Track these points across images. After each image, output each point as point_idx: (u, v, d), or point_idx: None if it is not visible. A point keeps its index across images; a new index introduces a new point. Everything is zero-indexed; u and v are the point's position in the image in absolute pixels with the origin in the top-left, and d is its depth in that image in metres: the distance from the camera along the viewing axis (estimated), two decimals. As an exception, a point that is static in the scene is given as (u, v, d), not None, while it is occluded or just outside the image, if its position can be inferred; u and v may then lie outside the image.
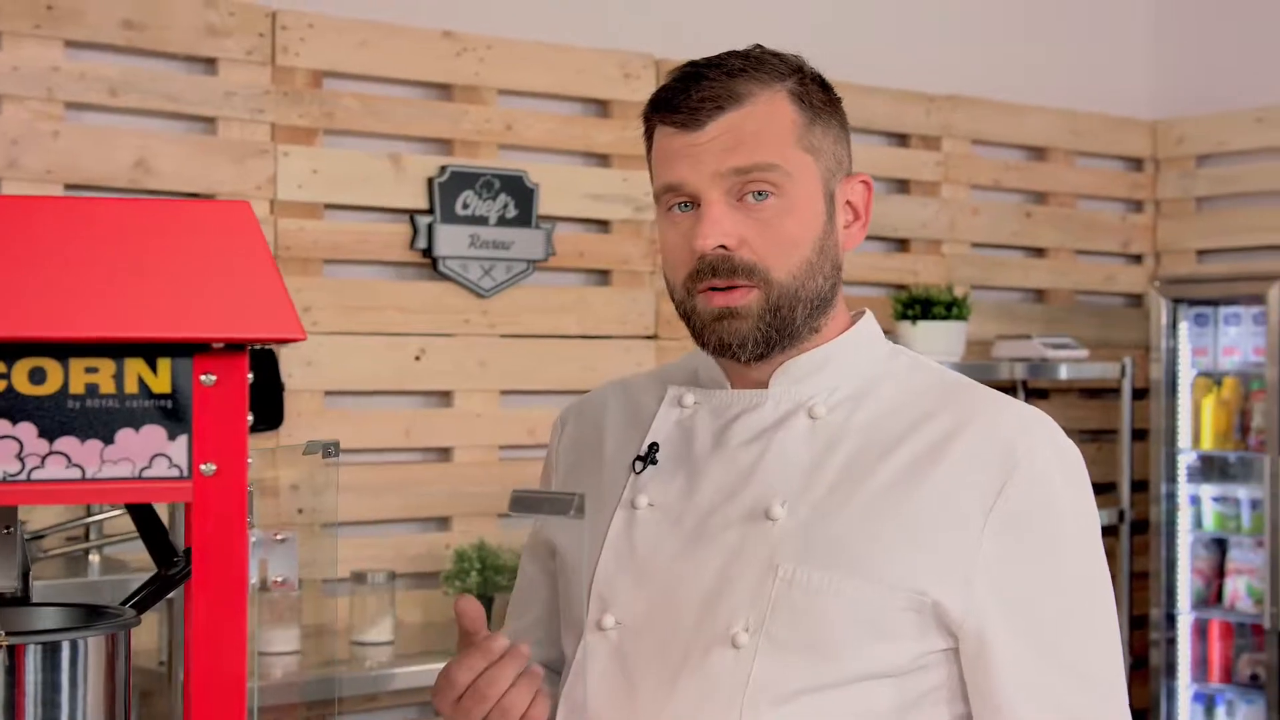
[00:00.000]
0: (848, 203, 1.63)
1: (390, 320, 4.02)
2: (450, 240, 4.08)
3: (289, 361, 3.80)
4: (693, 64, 1.61)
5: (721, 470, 1.61)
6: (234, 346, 1.04)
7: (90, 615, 1.29)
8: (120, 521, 3.43)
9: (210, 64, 3.82)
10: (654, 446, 1.66)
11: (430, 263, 4.09)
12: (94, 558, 3.41)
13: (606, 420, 1.75)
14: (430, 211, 4.07)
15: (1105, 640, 1.57)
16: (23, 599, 1.31)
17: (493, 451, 4.18)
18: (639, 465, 1.66)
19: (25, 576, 1.33)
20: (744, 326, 1.57)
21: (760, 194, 1.56)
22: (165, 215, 1.05)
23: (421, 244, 4.06)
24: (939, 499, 1.53)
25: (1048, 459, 1.56)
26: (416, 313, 4.06)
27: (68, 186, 3.62)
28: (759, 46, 1.64)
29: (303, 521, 3.68)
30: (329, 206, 3.97)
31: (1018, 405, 1.62)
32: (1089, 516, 1.59)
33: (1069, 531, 1.56)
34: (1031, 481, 1.53)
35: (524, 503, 1.60)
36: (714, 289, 1.57)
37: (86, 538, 3.38)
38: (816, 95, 1.61)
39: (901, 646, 1.52)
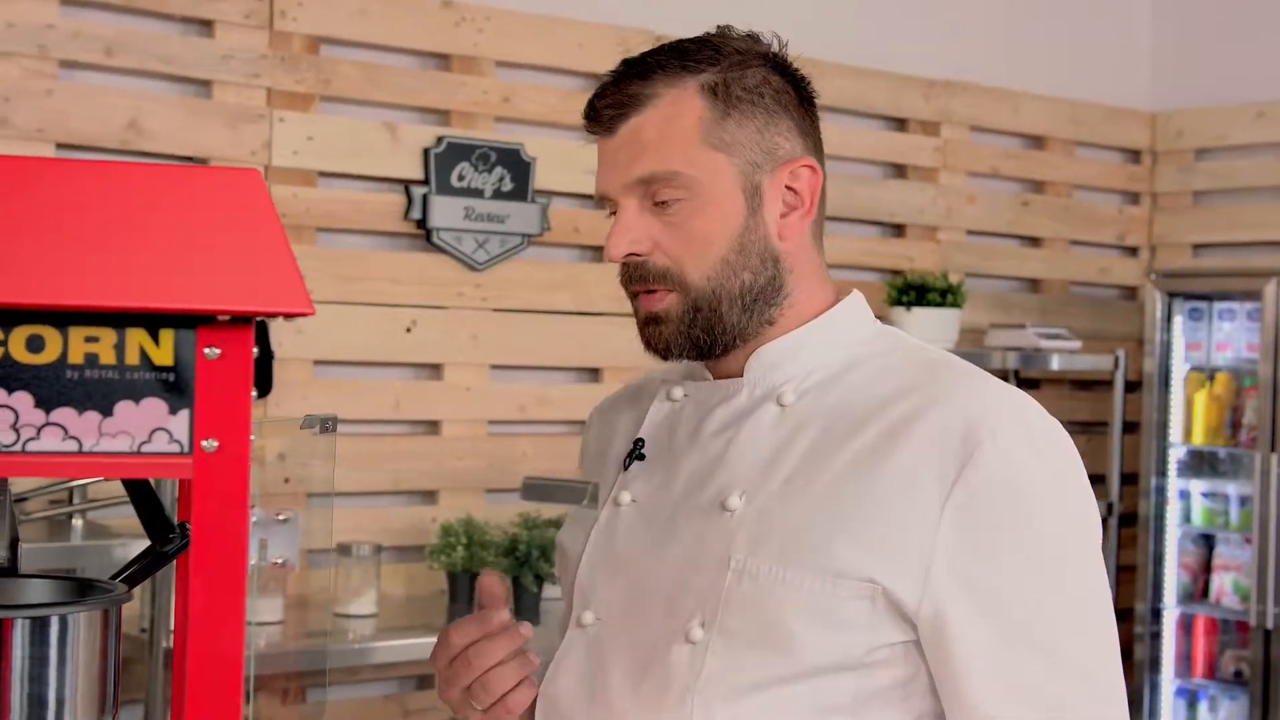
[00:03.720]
0: (789, 188, 1.57)
1: (382, 291, 3.99)
2: (445, 212, 4.04)
3: (279, 330, 3.77)
4: (623, 62, 1.58)
5: (694, 461, 1.59)
6: (240, 319, 1.01)
7: (80, 589, 1.26)
8: (104, 487, 3.41)
9: (207, 26, 3.77)
10: (639, 442, 1.64)
11: (424, 234, 4.05)
12: (77, 522, 3.37)
13: (619, 419, 1.74)
14: (425, 182, 4.04)
15: (1089, 623, 1.49)
16: (10, 570, 1.28)
17: (481, 426, 4.15)
18: (627, 461, 1.65)
19: (14, 546, 1.30)
20: (666, 331, 1.55)
21: (666, 200, 1.53)
22: (172, 181, 1.02)
23: (416, 215, 4.02)
24: (896, 482, 1.47)
25: (1014, 436, 1.47)
26: (409, 284, 4.03)
27: (59, 146, 3.57)
28: (718, 29, 1.60)
29: (289, 491, 3.65)
30: (323, 174, 3.93)
31: (991, 384, 1.53)
32: (1069, 496, 1.51)
33: (1041, 511, 1.47)
34: (995, 460, 1.45)
35: (537, 490, 1.58)
36: (641, 292, 1.57)
37: (70, 502, 3.35)
38: (739, 85, 1.55)
39: (854, 638, 1.47)
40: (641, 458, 1.63)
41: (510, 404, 4.19)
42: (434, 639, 3.43)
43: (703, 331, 1.55)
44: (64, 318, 0.99)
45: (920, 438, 1.48)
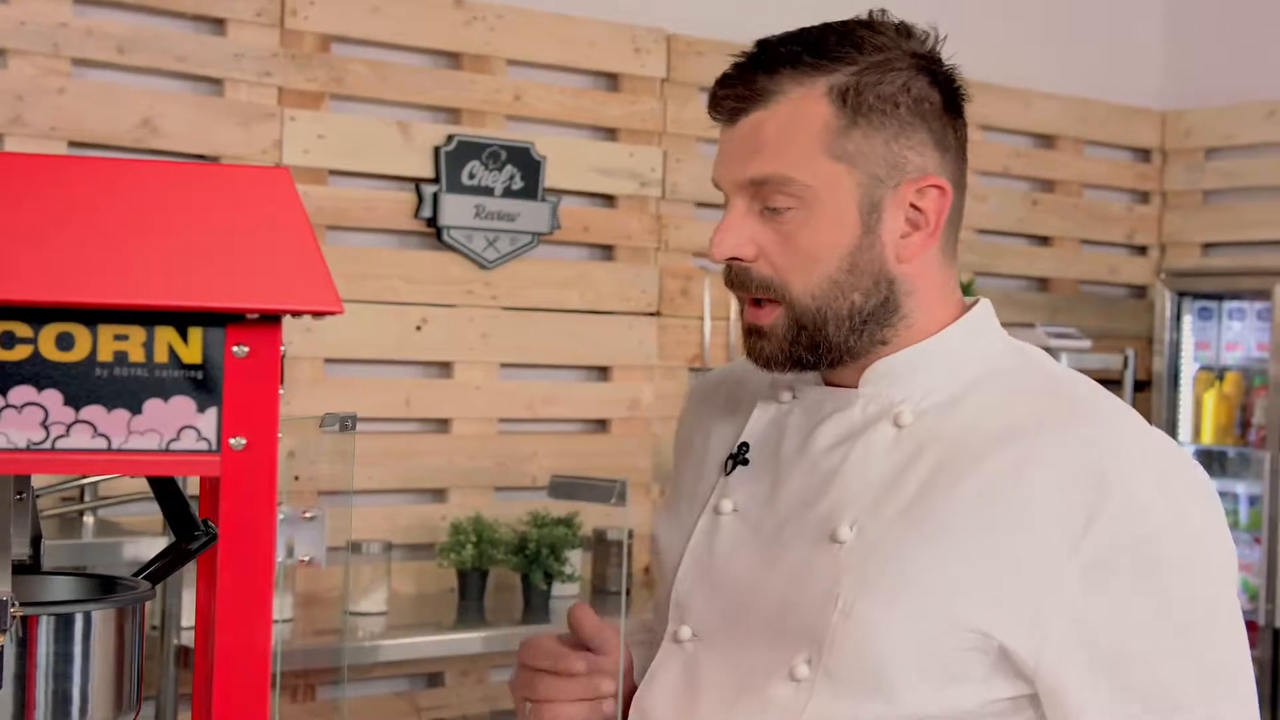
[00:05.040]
0: (914, 206, 1.44)
1: (393, 289, 3.99)
2: (455, 210, 4.05)
3: (289, 328, 3.75)
4: (758, 43, 1.45)
5: (802, 477, 1.49)
6: (268, 318, 1.01)
7: (103, 586, 1.26)
8: (115, 484, 3.41)
9: (219, 25, 3.77)
10: (744, 446, 1.54)
11: (434, 232, 4.05)
12: (88, 519, 3.38)
13: (718, 404, 1.63)
14: (436, 181, 4.04)
15: (1225, 694, 1.37)
16: (33, 566, 1.28)
17: (491, 424, 4.15)
18: (729, 465, 1.55)
19: (36, 543, 1.30)
20: (768, 347, 1.46)
21: (777, 207, 1.43)
22: (202, 180, 1.02)
23: (426, 213, 4.02)
24: (1018, 530, 1.36)
25: (1149, 487, 1.37)
26: (419, 282, 4.03)
27: (72, 144, 3.58)
28: (870, 16, 1.47)
29: (298, 489, 3.65)
30: (334, 173, 3.93)
31: (1129, 424, 1.42)
32: (1207, 556, 1.39)
33: (1175, 573, 1.36)
34: (1127, 513, 1.35)
35: (562, 489, 1.57)
36: (747, 299, 1.48)
37: (81, 499, 3.35)
38: (872, 92, 1.42)
39: (966, 690, 1.38)
40: (745, 463, 1.54)
41: (520, 402, 4.19)
42: (445, 637, 3.41)
43: (806, 350, 1.45)
44: (93, 316, 0.99)
45: (1047, 481, 1.37)
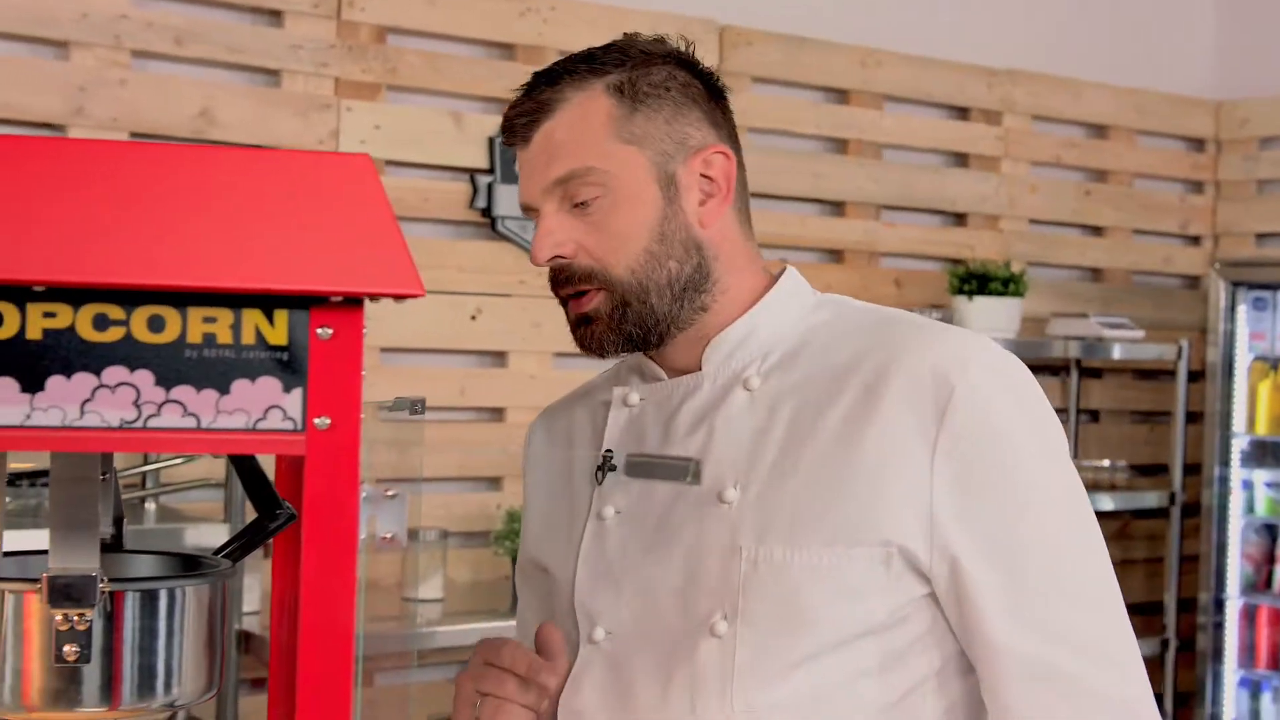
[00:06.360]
0: (705, 176, 1.60)
1: (448, 279, 4.02)
2: (509, 200, 4.07)
3: (347, 317, 3.79)
4: (534, 74, 1.62)
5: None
6: (351, 300, 1.04)
7: (185, 564, 1.29)
8: (177, 471, 3.44)
9: (276, 16, 3.81)
10: (609, 453, 1.67)
11: (489, 222, 4.08)
12: (150, 506, 3.42)
13: (574, 431, 1.75)
14: (490, 171, 4.06)
15: (1084, 554, 1.53)
16: (116, 545, 1.32)
17: (545, 413, 4.17)
18: (600, 475, 1.67)
19: (119, 523, 1.33)
20: (597, 329, 1.58)
21: (585, 200, 1.56)
22: (286, 166, 1.05)
23: (481, 203, 4.05)
24: (882, 444, 1.50)
25: (985, 380, 1.52)
26: (474, 272, 4.06)
27: (132, 135, 3.62)
28: (625, 36, 1.64)
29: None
30: (390, 163, 3.96)
31: (947, 331, 1.58)
32: (1043, 431, 1.55)
33: (1021, 451, 1.52)
34: (971, 407, 1.50)
35: (638, 468, 1.60)
36: (570, 296, 1.59)
37: (143, 486, 3.40)
38: (644, 81, 1.58)
39: (877, 602, 1.50)
40: (614, 468, 1.66)
41: (574, 391, 4.21)
42: (500, 624, 3.43)
43: (635, 326, 1.57)
44: (183, 298, 1.02)
45: (894, 395, 1.51)
